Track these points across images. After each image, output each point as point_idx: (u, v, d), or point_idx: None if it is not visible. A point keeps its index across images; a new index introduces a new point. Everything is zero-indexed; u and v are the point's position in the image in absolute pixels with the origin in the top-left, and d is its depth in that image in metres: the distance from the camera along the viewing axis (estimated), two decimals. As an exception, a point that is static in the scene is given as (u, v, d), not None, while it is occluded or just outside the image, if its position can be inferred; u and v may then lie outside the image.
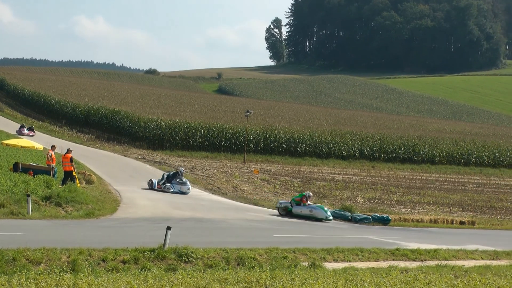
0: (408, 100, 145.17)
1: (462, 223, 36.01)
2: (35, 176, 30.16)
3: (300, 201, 33.06)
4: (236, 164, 51.90)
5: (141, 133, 58.12)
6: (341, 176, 51.71)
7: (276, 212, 33.67)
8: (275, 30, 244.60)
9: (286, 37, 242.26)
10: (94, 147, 54.33)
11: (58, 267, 16.70)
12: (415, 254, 24.17)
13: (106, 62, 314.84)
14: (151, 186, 36.66)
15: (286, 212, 33.07)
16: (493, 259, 25.60)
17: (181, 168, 38.50)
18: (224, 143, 57.23)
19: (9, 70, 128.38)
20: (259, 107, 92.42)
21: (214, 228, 26.53)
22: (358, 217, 33.10)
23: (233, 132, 57.89)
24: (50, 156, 33.04)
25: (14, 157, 37.03)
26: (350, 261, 22.03)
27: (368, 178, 51.95)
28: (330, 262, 21.62)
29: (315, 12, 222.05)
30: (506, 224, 37.75)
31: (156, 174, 41.92)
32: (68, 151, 32.50)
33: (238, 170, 48.54)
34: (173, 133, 56.75)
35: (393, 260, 23.04)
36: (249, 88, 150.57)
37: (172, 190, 36.26)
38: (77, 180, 31.95)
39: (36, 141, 39.16)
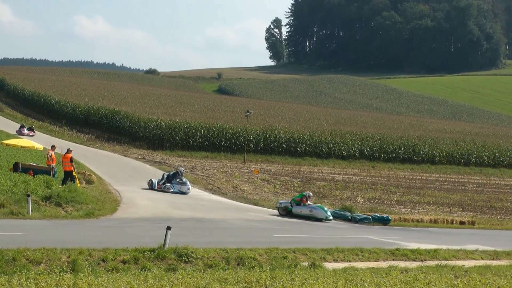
0: (408, 100, 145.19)
1: (462, 223, 36.01)
2: (35, 176, 30.16)
3: (300, 201, 33.07)
4: (236, 164, 51.90)
5: (141, 133, 58.12)
6: (341, 176, 51.71)
7: (276, 212, 33.67)
8: (275, 30, 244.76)
9: (286, 37, 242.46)
10: (94, 147, 54.34)
11: (58, 267, 16.69)
12: (415, 254, 24.17)
13: (106, 62, 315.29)
14: (151, 186, 36.66)
15: (286, 212, 33.07)
16: (493, 259, 25.60)
17: (181, 168, 38.46)
18: (224, 143, 57.24)
19: (9, 70, 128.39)
20: (259, 107, 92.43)
21: (214, 228, 26.53)
22: (358, 217, 33.09)
23: (233, 132, 57.91)
24: (50, 156, 33.03)
25: (14, 157, 37.03)
26: (350, 261, 22.03)
27: (368, 178, 51.95)
28: (330, 262, 21.62)
29: (315, 12, 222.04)
30: (506, 224, 37.75)
31: (156, 174, 41.92)
32: (68, 151, 32.50)
33: (238, 170, 48.54)
34: (173, 133, 56.75)
35: (393, 260, 23.05)
36: (249, 88, 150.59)
37: (172, 190, 36.26)
38: (77, 180, 31.95)
39: (36, 141, 39.16)
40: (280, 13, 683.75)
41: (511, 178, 62.06)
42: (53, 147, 34.83)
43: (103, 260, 18.01)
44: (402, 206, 40.29)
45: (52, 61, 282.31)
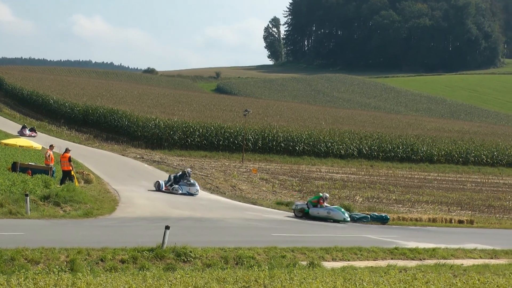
0: (407, 99, 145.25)
1: (460, 222, 36.03)
2: (34, 175, 30.15)
3: (317, 202, 32.76)
4: (235, 163, 51.89)
5: (140, 133, 58.08)
6: (340, 175, 51.72)
7: (274, 210, 33.66)
8: (273, 29, 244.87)
9: (284, 36, 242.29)
10: (92, 147, 54.31)
11: (57, 266, 16.69)
12: (414, 253, 24.19)
13: (105, 62, 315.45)
14: (158, 188, 35.93)
15: (302, 214, 32.72)
16: (491, 258, 25.63)
17: (189, 169, 37.62)
18: (222, 142, 57.23)
19: (7, 69, 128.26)
20: (258, 106, 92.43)
21: (212, 228, 26.53)
22: (356, 216, 33.08)
23: (232, 131, 57.89)
24: (49, 156, 33.01)
25: (12, 157, 36.97)
26: (348, 260, 22.05)
27: (366, 177, 51.95)
28: (328, 261, 21.63)
29: (313, 11, 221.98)
30: (505, 223, 37.78)
31: (155, 174, 41.93)
32: (67, 150, 32.49)
33: (237, 169, 48.53)
34: (171, 133, 56.73)
35: (392, 259, 23.07)
36: (247, 87, 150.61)
37: (180, 191, 35.58)
38: (75, 180, 31.94)
39: (35, 141, 39.15)
40: (278, 12, 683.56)
41: (510, 177, 62.12)
42: (51, 147, 34.78)
43: (101, 260, 18.01)
44: (400, 205, 40.30)
45: (50, 60, 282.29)
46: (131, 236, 21.63)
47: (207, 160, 52.53)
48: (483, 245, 27.55)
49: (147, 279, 14.77)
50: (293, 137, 59.52)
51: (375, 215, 33.36)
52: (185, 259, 19.04)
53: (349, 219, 32.36)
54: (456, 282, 16.44)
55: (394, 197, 42.80)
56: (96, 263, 17.77)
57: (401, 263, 22.07)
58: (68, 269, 16.77)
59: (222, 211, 31.61)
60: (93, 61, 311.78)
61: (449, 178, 56.77)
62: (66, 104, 72.38)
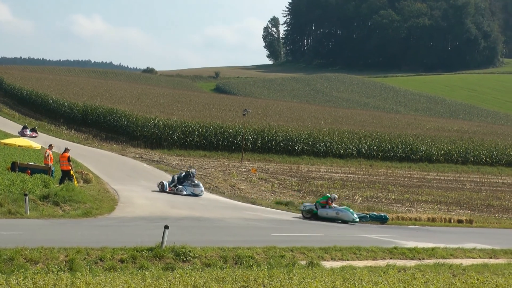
0: (406, 98, 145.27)
1: (459, 221, 36.04)
2: (33, 175, 30.14)
3: (326, 203, 32.66)
4: (234, 163, 51.89)
5: (139, 132, 58.09)
6: (339, 174, 51.73)
7: (273, 210, 33.64)
8: (272, 28, 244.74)
9: (284, 36, 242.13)
10: (91, 146, 54.30)
11: (56, 266, 16.69)
12: (413, 253, 24.20)
13: (104, 61, 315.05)
14: (162, 189, 35.70)
15: (311, 214, 32.59)
16: (490, 258, 25.64)
17: (193, 170, 37.39)
18: (221, 142, 57.24)
19: (6, 69, 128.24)
20: (257, 106, 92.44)
21: (211, 227, 26.53)
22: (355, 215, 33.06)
23: (231, 131, 57.90)
24: (48, 155, 33.01)
25: (11, 156, 36.92)
26: (347, 260, 22.04)
27: (365, 176, 51.96)
28: (328, 260, 21.64)
29: (312, 10, 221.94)
30: (504, 223, 37.79)
31: (154, 173, 41.94)
32: (66, 150, 32.48)
33: (236, 169, 48.54)
34: (170, 132, 56.73)
35: (391, 258, 23.08)
36: (246, 87, 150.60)
37: (185, 192, 35.33)
38: (74, 179, 31.94)
39: (34, 141, 39.14)
40: (277, 11, 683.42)
41: (509, 176, 62.15)
42: (50, 146, 34.78)
43: (100, 259, 18.01)
44: (399, 205, 40.31)
45: (49, 60, 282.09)
46: (130, 236, 21.63)
47: (206, 159, 52.54)
48: (482, 245, 27.56)
49: (146, 278, 14.77)
50: (292, 137, 59.53)
51: (374, 214, 33.35)
52: (184, 259, 19.04)
53: (358, 219, 32.19)
54: (455, 282, 16.45)
55: (393, 197, 42.80)
56: (95, 263, 17.77)
57: (400, 262, 22.07)
58: (67, 269, 16.77)
59: (221, 211, 31.60)
60: (92, 61, 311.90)
61: (448, 178, 56.79)
62: (65, 104, 72.38)
